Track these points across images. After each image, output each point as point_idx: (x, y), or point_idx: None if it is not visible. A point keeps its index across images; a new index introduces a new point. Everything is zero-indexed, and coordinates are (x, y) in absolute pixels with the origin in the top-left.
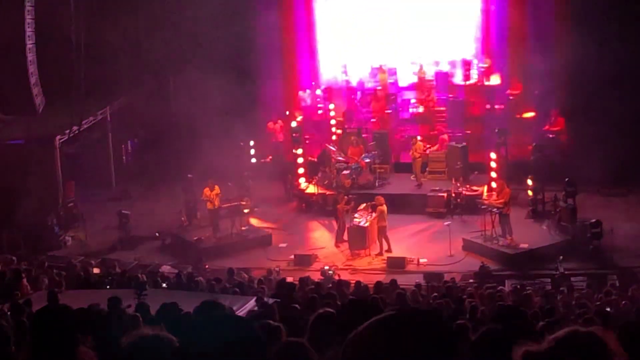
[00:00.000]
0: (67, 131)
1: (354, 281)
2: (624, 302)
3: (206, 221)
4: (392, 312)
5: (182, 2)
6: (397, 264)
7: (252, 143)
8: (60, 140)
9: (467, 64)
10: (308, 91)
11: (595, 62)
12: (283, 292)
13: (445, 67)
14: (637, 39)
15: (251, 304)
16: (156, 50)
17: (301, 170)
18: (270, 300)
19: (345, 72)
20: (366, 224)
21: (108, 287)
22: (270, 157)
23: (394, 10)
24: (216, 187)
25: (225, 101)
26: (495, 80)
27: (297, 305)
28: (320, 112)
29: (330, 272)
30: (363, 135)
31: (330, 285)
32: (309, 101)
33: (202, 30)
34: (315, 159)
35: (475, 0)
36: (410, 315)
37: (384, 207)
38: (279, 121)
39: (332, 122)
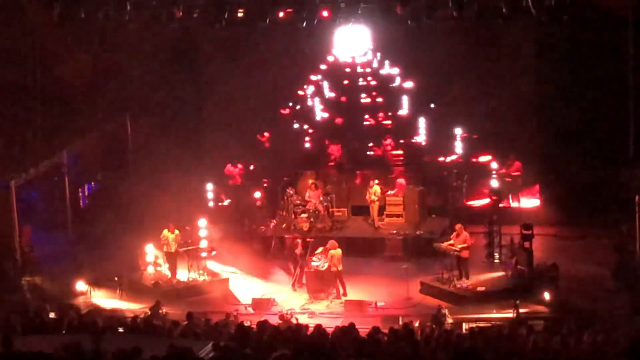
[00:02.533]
0: (23, 175)
1: (312, 325)
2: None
3: (164, 265)
4: None
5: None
6: (355, 308)
7: (210, 187)
8: (17, 184)
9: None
10: (266, 134)
11: (555, 111)
12: (241, 336)
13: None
14: (594, 91)
15: (208, 348)
16: (113, 93)
17: (259, 214)
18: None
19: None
20: (324, 268)
21: (64, 331)
22: (229, 199)
23: None
24: (176, 230)
25: (182, 143)
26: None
27: (253, 350)
28: None
29: (288, 315)
30: (320, 179)
31: (288, 329)
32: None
33: (160, 74)
34: (273, 202)
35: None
36: None
37: (337, 251)
38: (239, 165)
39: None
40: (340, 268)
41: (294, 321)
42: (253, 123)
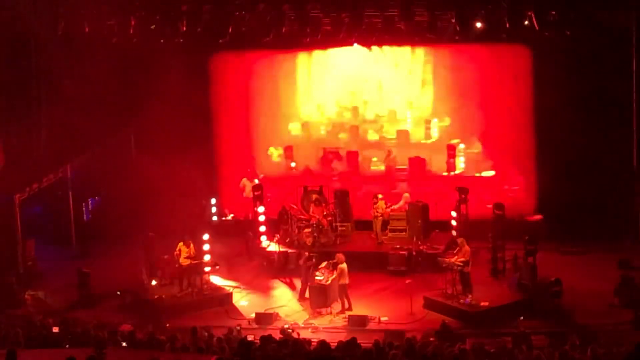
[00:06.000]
0: (27, 189)
1: (315, 339)
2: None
3: (167, 279)
4: None
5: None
6: (358, 322)
7: (213, 201)
8: (21, 198)
9: (427, 123)
10: (271, 149)
11: (557, 126)
12: (244, 351)
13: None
14: (596, 105)
15: None
16: (117, 108)
17: (262, 228)
18: None
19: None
20: (327, 282)
21: (67, 345)
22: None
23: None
24: (191, 244)
25: (187, 158)
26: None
27: None
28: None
29: (290, 330)
30: (324, 194)
31: (290, 343)
32: (272, 159)
33: (164, 89)
34: (276, 217)
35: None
36: None
37: (345, 265)
38: (255, 179)
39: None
40: (346, 282)
41: (296, 336)
42: (262, 138)
